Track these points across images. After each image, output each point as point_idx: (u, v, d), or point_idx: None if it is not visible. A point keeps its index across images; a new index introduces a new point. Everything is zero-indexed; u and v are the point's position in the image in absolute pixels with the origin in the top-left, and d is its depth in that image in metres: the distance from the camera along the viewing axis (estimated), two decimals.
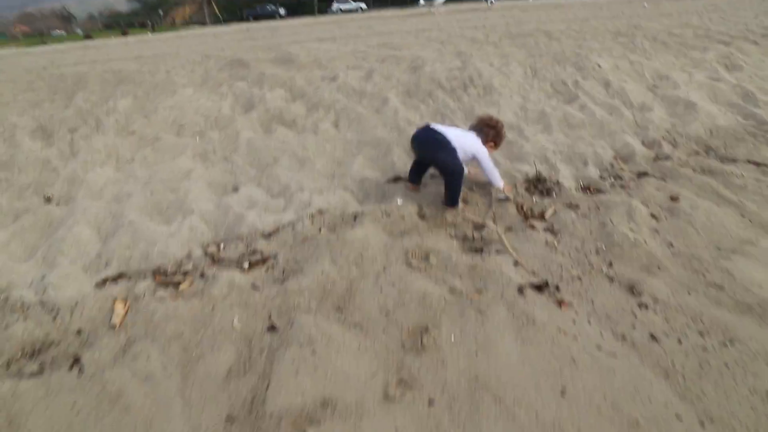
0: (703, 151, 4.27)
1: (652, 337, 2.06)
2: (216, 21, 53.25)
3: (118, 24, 62.53)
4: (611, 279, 2.50)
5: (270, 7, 52.81)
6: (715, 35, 8.59)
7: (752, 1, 15.90)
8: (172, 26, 59.09)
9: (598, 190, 3.59)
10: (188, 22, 63.21)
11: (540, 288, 2.47)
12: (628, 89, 5.89)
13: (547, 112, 5.24)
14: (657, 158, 4.15)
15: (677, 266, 2.57)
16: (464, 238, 3.09)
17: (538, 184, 3.71)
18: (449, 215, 3.33)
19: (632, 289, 2.39)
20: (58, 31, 62.16)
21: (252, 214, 3.69)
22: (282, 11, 51.80)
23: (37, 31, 62.03)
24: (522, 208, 3.37)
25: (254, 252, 3.24)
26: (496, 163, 4.16)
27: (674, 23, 10.40)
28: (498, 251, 2.87)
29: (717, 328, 2.07)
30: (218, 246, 3.37)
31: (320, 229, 3.38)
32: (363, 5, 50.04)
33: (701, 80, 6.11)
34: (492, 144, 3.51)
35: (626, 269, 2.57)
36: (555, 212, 3.26)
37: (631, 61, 6.97)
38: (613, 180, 3.75)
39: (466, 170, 3.46)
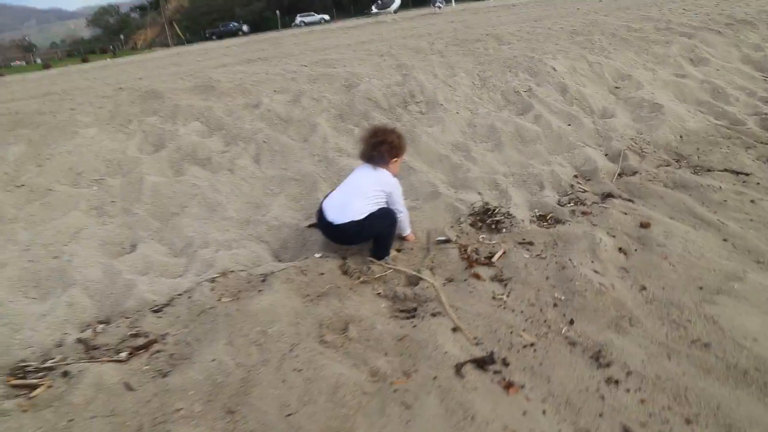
0: (673, 160, 4.01)
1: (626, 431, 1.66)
2: (179, 42, 55.02)
3: (79, 51, 65.39)
4: (572, 343, 2.12)
5: (233, 25, 55.98)
6: (676, 27, 8.59)
7: None
8: (134, 50, 60.89)
9: (557, 220, 3.24)
10: (151, 45, 66.00)
11: (483, 364, 2.06)
12: (587, 93, 5.67)
13: (498, 127, 4.94)
14: (623, 173, 3.86)
15: (652, 318, 2.20)
16: (394, 298, 2.68)
17: (486, 218, 3.35)
18: (377, 268, 2.92)
19: (598, 357, 2.00)
20: (17, 62, 63.73)
21: (144, 282, 3.26)
22: (245, 28, 54.52)
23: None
24: (466, 250, 2.98)
25: (138, 334, 2.78)
26: (434, 195, 3.80)
27: (633, 17, 10.46)
28: (434, 313, 2.46)
29: (707, 410, 1.69)
30: (95, 329, 2.92)
31: (221, 298, 2.94)
32: (326, 17, 52.77)
33: (666, 78, 5.96)
34: (395, 160, 3.11)
35: (590, 327, 2.19)
36: (505, 254, 2.89)
37: (589, 62, 6.81)
38: (573, 205, 3.42)
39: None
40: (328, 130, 5.38)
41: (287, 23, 54.31)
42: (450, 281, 2.74)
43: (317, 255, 3.11)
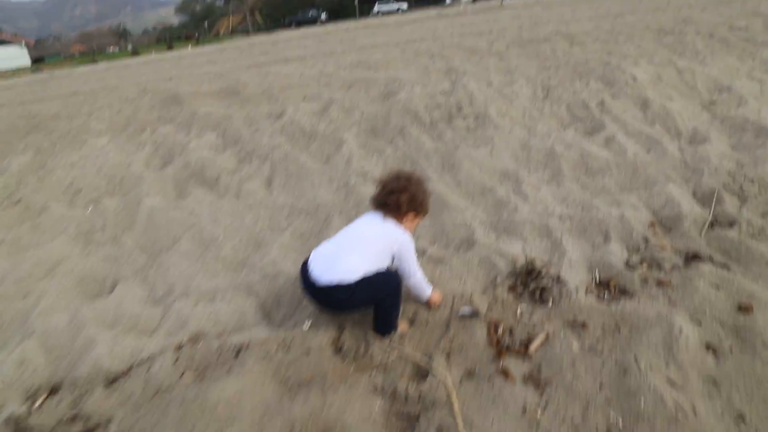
0: None
1: None
2: (259, 29, 61.63)
3: (166, 38, 71.61)
4: None
5: (311, 13, 62.29)
6: None
7: None
8: (216, 37, 66.90)
9: (622, 291, 2.67)
10: (233, 32, 72.59)
11: None
12: (674, 110, 5.00)
13: (558, 152, 4.37)
14: (716, 223, 3.22)
15: None
16: (394, 396, 2.21)
17: (530, 281, 2.81)
18: (378, 349, 2.45)
19: None
20: (111, 49, 72.69)
21: (106, 342, 2.97)
22: (324, 16, 60.69)
23: (93, 49, 71.49)
24: (497, 330, 2.47)
25: (77, 417, 2.45)
26: (468, 242, 3.29)
27: (737, 12, 9.52)
28: (440, 428, 1.98)
29: None
30: (34, 401, 2.63)
31: (183, 374, 2.56)
32: (404, 5, 56.87)
33: None
34: (413, 215, 2.62)
35: None
36: (547, 340, 2.35)
37: (678, 69, 6.09)
38: (646, 269, 2.83)
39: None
40: (355, 148, 4.98)
41: (365, 11, 59.76)
42: (470, 376, 2.24)
43: (307, 323, 2.68)
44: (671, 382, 1.99)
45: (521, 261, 2.97)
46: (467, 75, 6.50)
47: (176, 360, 2.64)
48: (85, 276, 3.72)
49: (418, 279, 2.59)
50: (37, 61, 64.86)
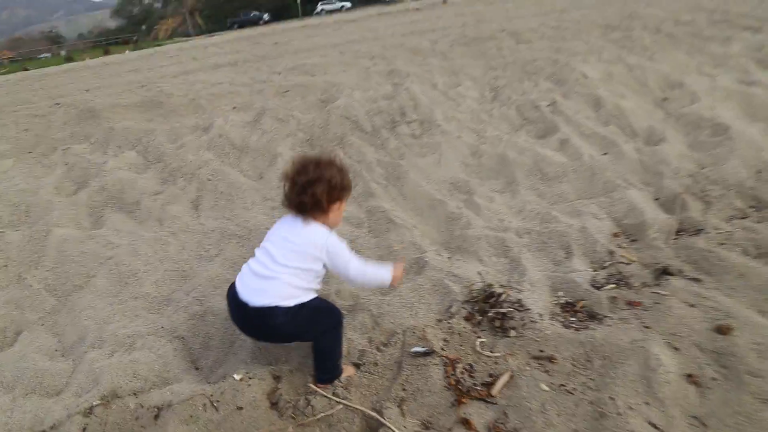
0: (751, 209, 3.27)
1: None
2: (200, 32, 62.18)
3: (101, 43, 70.81)
4: None
5: (254, 14, 63.42)
6: (737, 19, 7.86)
7: None
8: (155, 40, 66.28)
9: (591, 315, 2.50)
10: (172, 35, 72.05)
11: None
12: (627, 108, 4.95)
13: (511, 158, 4.23)
14: (682, 230, 3.12)
15: None
16: None
17: (489, 307, 2.61)
18: (321, 401, 2.20)
19: None
20: (44, 55, 69.89)
21: (2, 408, 2.60)
22: (266, 17, 61.86)
23: (23, 56, 69.51)
24: (454, 369, 2.25)
25: None
26: (419, 265, 3.08)
27: (681, 6, 9.75)
28: None
29: None
30: None
31: None
32: (348, 4, 58.99)
33: (729, 86, 5.22)
34: (338, 204, 2.28)
35: None
36: (512, 379, 2.15)
37: (628, 66, 6.10)
38: (614, 286, 2.68)
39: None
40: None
41: (309, 11, 61.24)
42: (427, 428, 2.02)
43: (237, 376, 2.39)
44: (653, 425, 1.82)
45: (478, 285, 2.78)
46: (410, 77, 6.33)
47: (84, 428, 2.32)
48: None
49: (362, 271, 2.26)
50: None
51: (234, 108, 6.21)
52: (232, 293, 2.28)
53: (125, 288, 3.50)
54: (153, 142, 5.63)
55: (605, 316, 2.48)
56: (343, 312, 2.75)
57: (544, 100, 5.34)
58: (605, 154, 4.19)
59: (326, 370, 2.29)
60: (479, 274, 2.82)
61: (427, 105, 5.37)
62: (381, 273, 2.31)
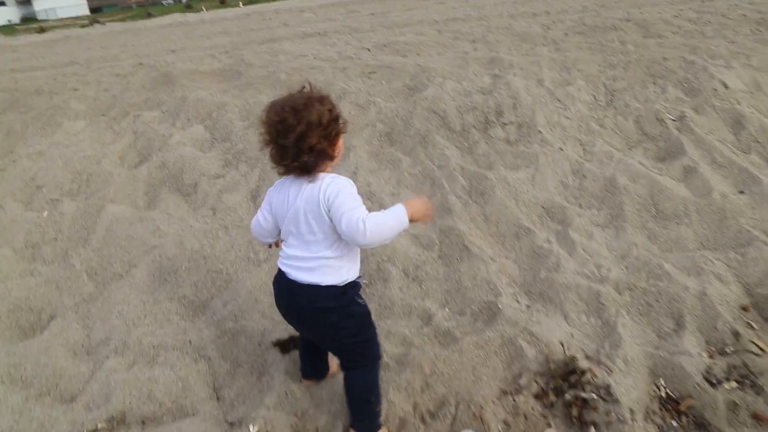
0: None
1: None
2: None
3: None
4: None
5: None
6: None
7: None
8: None
9: (698, 423, 2.05)
10: None
11: None
12: None
13: (621, 184, 3.73)
14: None
15: None
16: None
17: (567, 388, 2.22)
18: None
19: None
20: (168, 0, 76.41)
21: (8, 410, 2.50)
22: None
23: (150, 0, 76.69)
24: None
25: None
26: (489, 312, 2.71)
27: None
28: None
29: None
30: None
31: None
32: None
33: None
34: (340, 140, 1.96)
35: None
36: None
37: None
38: (736, 384, 2.20)
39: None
40: (365, 158, 4.44)
41: None
42: None
43: (252, 428, 2.15)
44: None
45: (558, 353, 2.38)
46: (513, 69, 5.85)
47: None
48: (19, 304, 3.35)
49: (381, 219, 1.84)
50: (95, 11, 69.02)
51: (313, 87, 6.01)
52: (278, 279, 2.10)
53: (163, 286, 3.40)
54: (223, 117, 5.52)
55: (717, 419, 2.02)
56: (390, 364, 2.47)
57: (671, 112, 4.74)
58: (742, 192, 3.60)
59: (363, 416, 2.12)
60: (561, 344, 2.40)
61: (529, 105, 4.91)
62: (390, 215, 1.88)
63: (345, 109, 5.26)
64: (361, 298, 2.05)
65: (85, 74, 8.97)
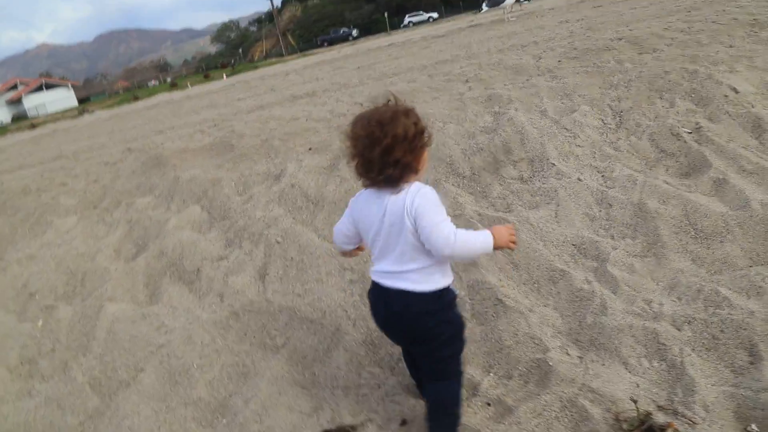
0: None
1: None
2: (292, 51, 71.38)
3: (202, 68, 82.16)
4: None
5: (343, 31, 73.11)
6: None
7: None
8: (251, 62, 76.47)
9: None
10: (267, 56, 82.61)
11: None
12: None
13: (651, 208, 3.56)
14: None
15: None
16: None
17: None
18: None
19: None
20: (153, 82, 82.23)
21: None
22: (354, 33, 70.53)
23: (136, 85, 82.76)
24: None
25: None
26: (539, 371, 2.49)
27: None
28: None
29: None
30: None
31: None
32: (434, 15, 65.93)
33: None
34: (425, 153, 2.05)
35: None
36: None
37: None
38: None
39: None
40: None
41: (396, 24, 67.50)
42: None
43: None
44: None
45: (627, 409, 2.15)
46: (513, 103, 5.76)
47: None
48: None
49: (455, 234, 1.94)
50: (83, 101, 74.94)
51: (309, 149, 5.90)
52: (373, 291, 2.21)
53: (175, 389, 3.16)
54: (219, 194, 5.40)
55: None
56: None
57: (685, 125, 4.61)
58: None
59: (442, 424, 2.16)
60: (633, 400, 2.18)
61: (537, 138, 4.78)
62: (478, 235, 2.02)
63: (345, 170, 5.15)
64: (457, 307, 2.16)
65: (73, 167, 8.95)
